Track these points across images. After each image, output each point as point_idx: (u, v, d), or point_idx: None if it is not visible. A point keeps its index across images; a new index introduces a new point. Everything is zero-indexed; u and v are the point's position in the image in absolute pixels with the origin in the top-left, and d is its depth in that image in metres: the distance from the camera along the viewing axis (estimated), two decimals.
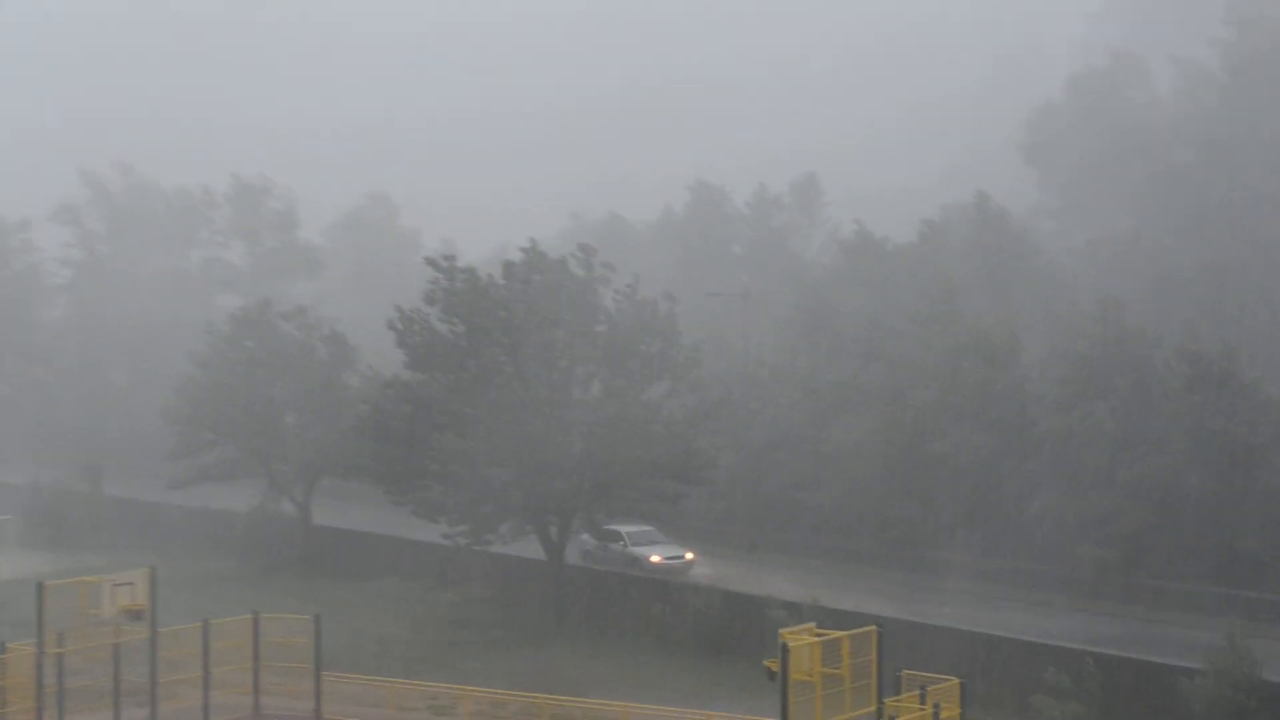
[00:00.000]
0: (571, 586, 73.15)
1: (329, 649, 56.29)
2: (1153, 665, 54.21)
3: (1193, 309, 79.41)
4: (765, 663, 39.57)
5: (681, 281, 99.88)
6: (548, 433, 71.17)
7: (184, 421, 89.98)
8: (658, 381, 73.65)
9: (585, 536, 77.64)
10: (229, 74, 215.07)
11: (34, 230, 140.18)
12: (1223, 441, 69.10)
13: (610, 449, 70.79)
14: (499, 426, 71.04)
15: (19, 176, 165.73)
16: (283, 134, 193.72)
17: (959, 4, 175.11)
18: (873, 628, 41.11)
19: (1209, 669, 50.67)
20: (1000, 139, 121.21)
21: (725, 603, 66.67)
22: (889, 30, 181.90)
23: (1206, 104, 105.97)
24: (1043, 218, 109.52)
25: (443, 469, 71.14)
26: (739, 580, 72.63)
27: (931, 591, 70.49)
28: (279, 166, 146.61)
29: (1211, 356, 71.30)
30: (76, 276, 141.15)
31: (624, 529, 77.83)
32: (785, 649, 38.57)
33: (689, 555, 77.70)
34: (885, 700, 40.53)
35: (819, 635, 40.06)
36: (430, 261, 74.80)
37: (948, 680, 42.28)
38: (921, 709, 41.01)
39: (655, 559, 76.68)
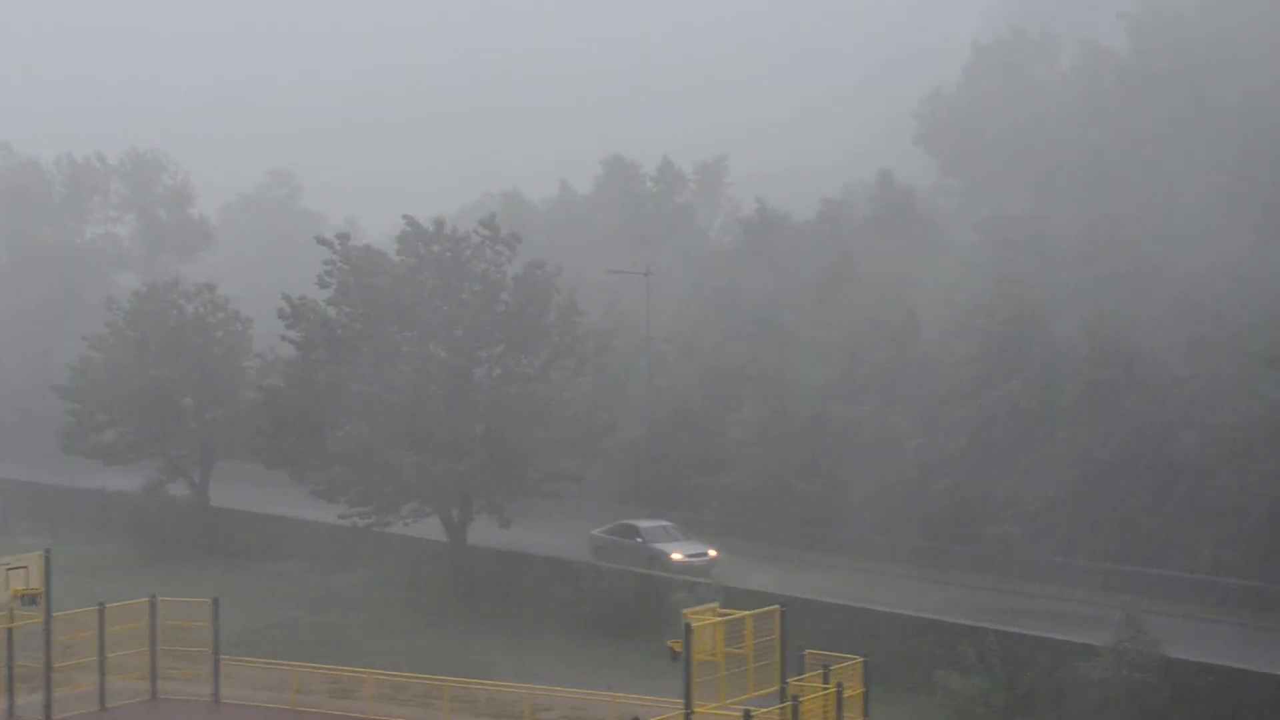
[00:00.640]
0: (475, 568, 72.99)
1: (228, 633, 56.15)
2: (1054, 642, 54.66)
3: (1094, 287, 79.98)
4: (669, 643, 39.76)
5: (589, 258, 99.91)
6: (448, 413, 70.93)
7: (79, 402, 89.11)
8: (560, 360, 73.49)
9: (596, 532, 74.03)
10: (125, 48, 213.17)
11: None
12: (1128, 418, 69.83)
13: (512, 429, 70.75)
14: (398, 407, 70.84)
15: None
16: (180, 109, 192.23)
17: None
18: (776, 608, 41.41)
19: (1107, 648, 51.34)
20: (906, 118, 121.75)
21: (629, 584, 66.80)
22: (799, 11, 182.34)
23: (1106, 82, 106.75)
24: (944, 196, 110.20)
25: (341, 451, 70.98)
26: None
27: (838, 570, 70.80)
28: (177, 141, 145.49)
29: (1116, 335, 72.05)
30: None
31: (640, 524, 73.28)
32: (689, 629, 38.78)
33: (712, 552, 71.13)
34: (789, 679, 40.81)
35: (722, 615, 40.25)
36: (323, 241, 74.44)
37: (851, 659, 42.58)
38: (825, 688, 41.27)
39: (677, 556, 69.97)
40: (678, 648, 39.03)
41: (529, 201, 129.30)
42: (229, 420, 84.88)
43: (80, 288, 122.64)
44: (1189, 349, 71.46)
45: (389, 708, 53.91)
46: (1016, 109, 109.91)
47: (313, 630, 67.12)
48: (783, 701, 40.26)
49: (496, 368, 72.99)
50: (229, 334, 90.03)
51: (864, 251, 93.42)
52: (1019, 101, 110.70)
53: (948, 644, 55.26)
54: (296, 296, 73.02)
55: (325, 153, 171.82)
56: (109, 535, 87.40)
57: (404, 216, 75.19)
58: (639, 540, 71.75)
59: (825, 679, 41.61)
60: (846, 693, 41.66)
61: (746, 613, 40.75)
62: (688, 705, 38.80)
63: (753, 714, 38.82)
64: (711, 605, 41.86)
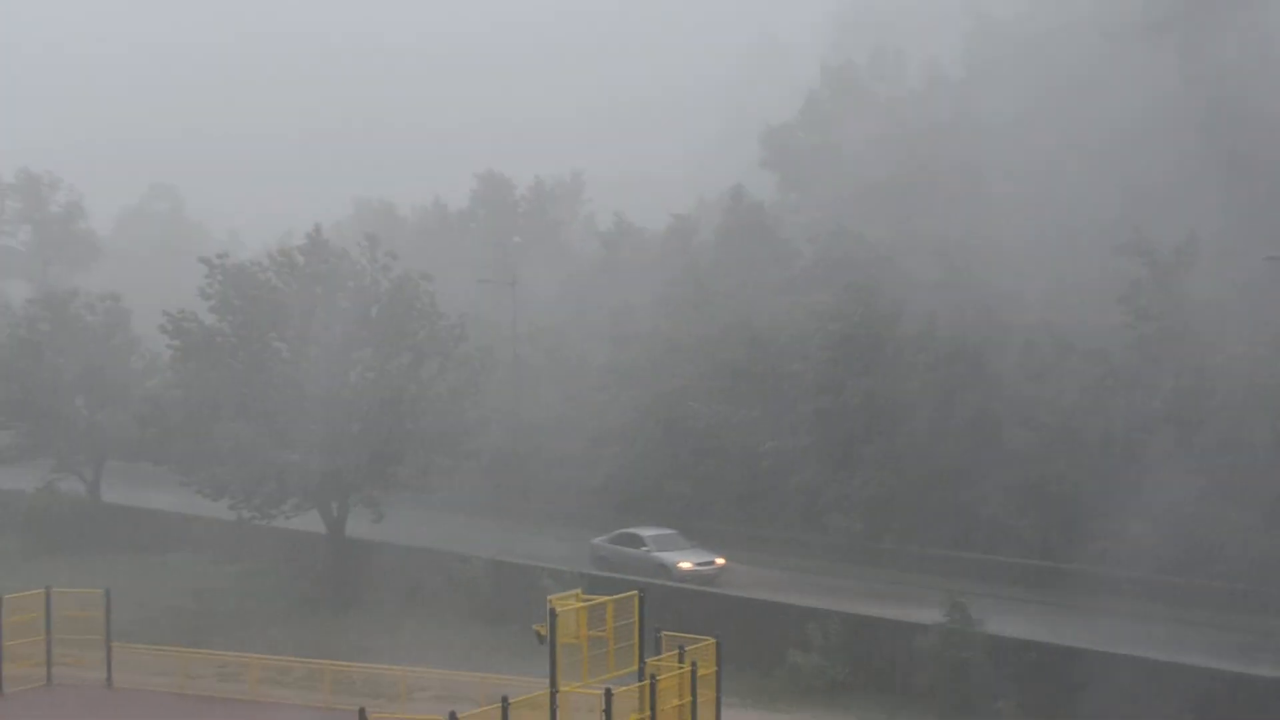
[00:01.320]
0: (353, 558, 72.74)
1: (119, 621, 55.79)
2: (892, 622, 55.49)
3: (936, 292, 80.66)
4: (535, 627, 39.75)
5: (463, 268, 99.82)
6: (325, 414, 70.88)
7: None
8: (428, 361, 73.48)
9: (597, 541, 71.18)
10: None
11: None
12: (967, 413, 70.84)
13: (385, 427, 70.75)
14: (277, 410, 70.80)
15: None
16: (74, 130, 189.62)
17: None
18: (634, 593, 41.55)
19: (935, 626, 52.33)
20: (756, 128, 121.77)
21: (495, 572, 66.83)
22: (653, 21, 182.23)
23: (942, 97, 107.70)
24: (789, 209, 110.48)
25: (224, 452, 70.74)
26: (523, 552, 72.12)
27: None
28: (67, 157, 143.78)
29: (956, 337, 73.05)
30: None
31: (644, 532, 70.16)
32: (553, 614, 38.85)
33: (719, 560, 68.17)
34: (647, 660, 40.99)
35: (585, 601, 40.38)
36: (204, 260, 74.15)
37: (705, 640, 42.86)
38: (680, 667, 41.51)
39: (685, 565, 66.97)
40: (543, 631, 39.06)
41: (401, 214, 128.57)
42: (119, 422, 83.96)
43: None
44: (1023, 352, 72.40)
45: (273, 690, 53.86)
46: (860, 125, 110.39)
47: (199, 618, 66.62)
48: (641, 680, 40.44)
49: (370, 370, 72.85)
50: (122, 340, 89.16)
51: (713, 261, 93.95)
52: (863, 118, 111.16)
53: (795, 625, 55.84)
54: (178, 310, 72.71)
55: (209, 165, 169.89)
56: (4, 531, 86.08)
57: (278, 249, 76.03)
58: (644, 549, 68.75)
59: (681, 659, 41.84)
60: (700, 671, 41.88)
61: (607, 598, 40.88)
62: (553, 685, 38.87)
63: (613, 692, 39.00)
64: (575, 591, 41.96)
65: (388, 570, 71.56)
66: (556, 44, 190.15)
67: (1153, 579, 61.34)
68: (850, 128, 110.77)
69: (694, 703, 41.50)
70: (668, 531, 70.60)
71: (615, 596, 41.07)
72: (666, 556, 67.66)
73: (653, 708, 39.98)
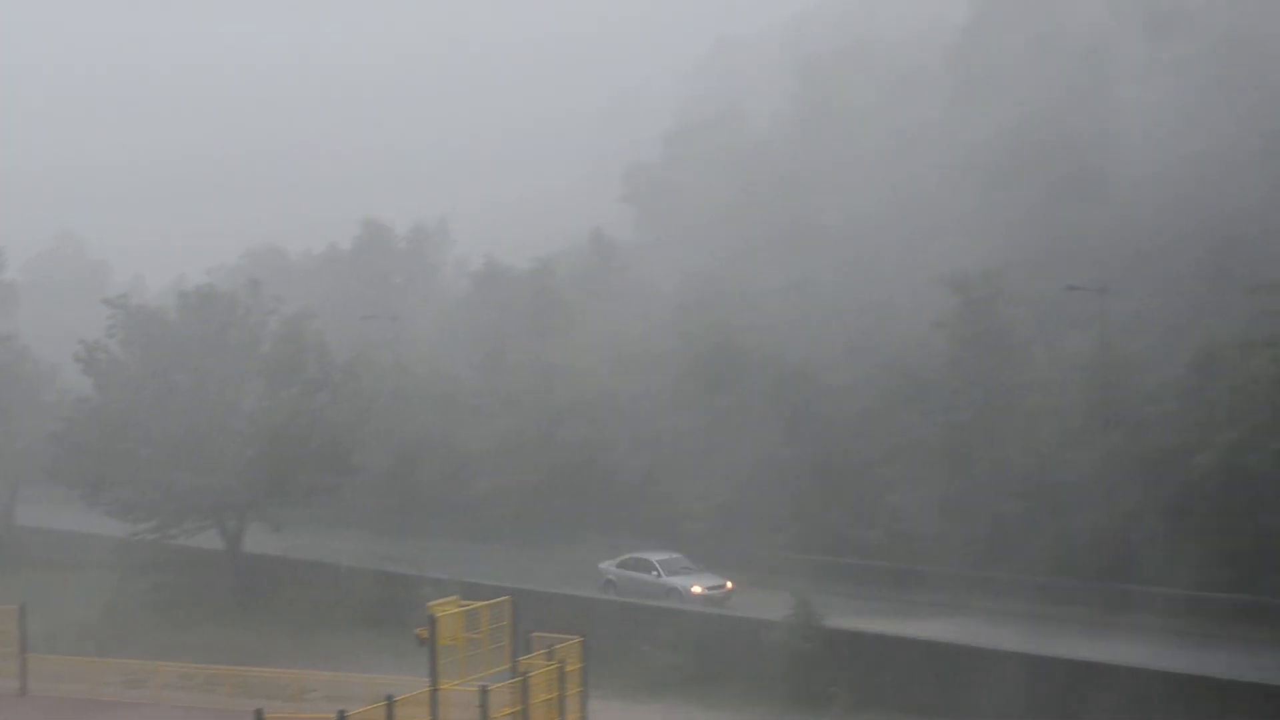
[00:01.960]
0: (248, 572, 72.70)
1: (34, 634, 55.34)
2: (742, 619, 56.53)
3: (781, 319, 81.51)
4: (417, 631, 40.03)
5: (350, 307, 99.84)
6: (223, 440, 71.47)
7: None
8: (315, 392, 74.08)
9: (605, 565, 66.50)
10: None
11: None
12: (810, 430, 71.93)
13: (277, 451, 71.20)
14: (178, 436, 71.21)
15: None
16: None
17: (580, 46, 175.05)
18: (507, 598, 42.04)
19: (781, 621, 53.16)
20: (615, 172, 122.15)
21: (380, 582, 66.98)
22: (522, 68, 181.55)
23: (781, 143, 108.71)
24: (646, 248, 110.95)
25: (130, 475, 70.87)
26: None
27: (573, 566, 71.22)
28: None
29: (796, 360, 74.28)
30: None
31: (653, 557, 65.29)
32: (433, 619, 39.22)
33: (729, 584, 63.31)
34: (519, 658, 41.44)
35: (462, 606, 40.75)
36: (107, 301, 75.40)
37: (571, 639, 43.37)
38: (549, 664, 42.01)
39: (698, 589, 62.32)
40: (424, 635, 39.39)
41: (292, 258, 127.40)
42: (32, 450, 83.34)
43: None
44: (862, 381, 73.50)
45: (176, 694, 53.59)
46: (710, 173, 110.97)
47: (107, 629, 66.01)
48: (514, 677, 40.90)
49: (264, 399, 73.67)
50: (34, 374, 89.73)
51: (575, 298, 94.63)
52: (712, 166, 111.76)
53: (652, 624, 56.59)
54: (91, 342, 73.39)
55: (117, 216, 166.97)
56: None
57: (177, 293, 77.90)
58: (655, 574, 63.97)
59: (550, 657, 42.33)
60: (568, 668, 42.45)
61: (482, 603, 41.27)
62: (433, 683, 39.24)
63: (488, 689, 39.42)
64: (453, 598, 42.29)
65: (284, 582, 71.52)
66: (423, 86, 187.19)
67: (969, 573, 62.92)
68: (700, 174, 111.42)
69: (562, 696, 42.05)
70: (674, 555, 66.04)
71: (489, 601, 41.49)
72: (678, 581, 63.07)
73: (525, 702, 40.50)
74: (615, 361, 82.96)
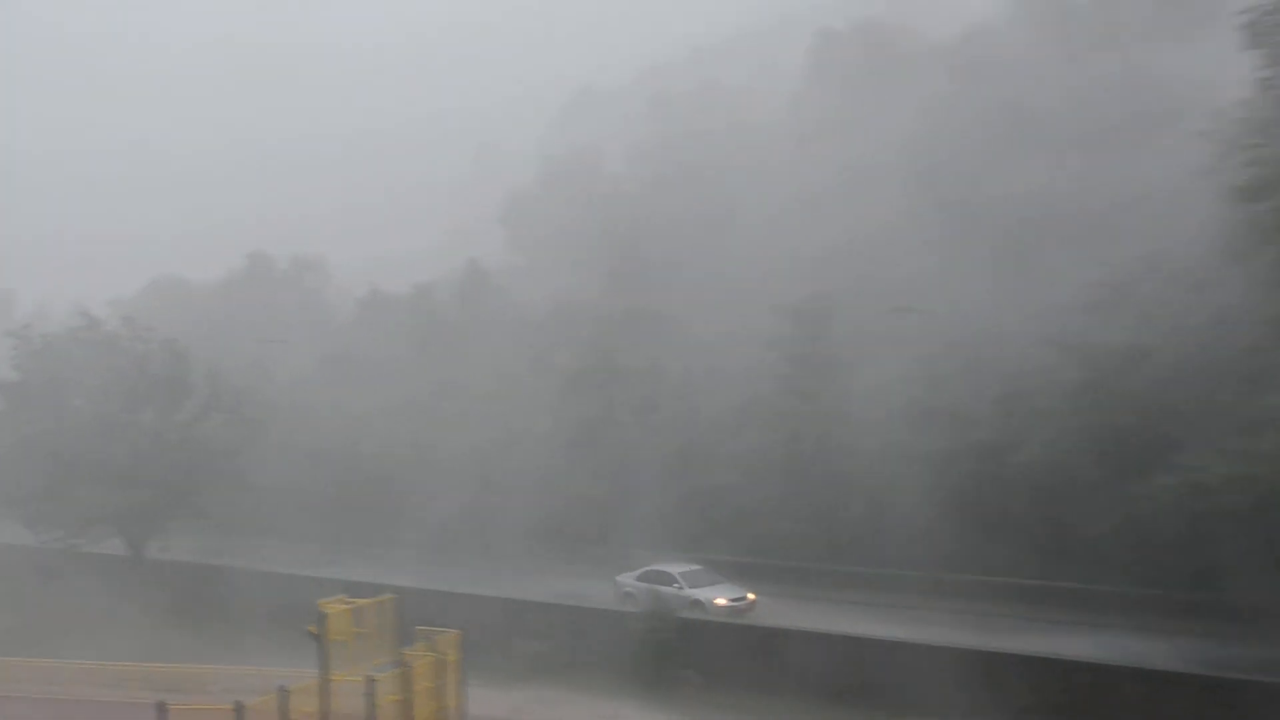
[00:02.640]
0: (153, 578, 72.55)
1: None
2: (607, 611, 57.10)
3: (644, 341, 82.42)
4: (308, 628, 40.17)
5: (243, 333, 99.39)
6: (122, 457, 72.21)
7: None
8: (209, 413, 75.06)
9: (623, 578, 61.61)
10: None
11: None
12: (676, 440, 73.39)
13: (173, 466, 72.18)
14: (80, 452, 71.87)
15: None
16: None
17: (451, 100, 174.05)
18: (390, 596, 42.34)
19: (640, 613, 54.34)
20: (491, 210, 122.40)
21: (277, 583, 66.79)
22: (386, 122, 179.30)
23: (638, 182, 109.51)
24: (518, 277, 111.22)
25: (38, 489, 71.83)
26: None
27: (482, 569, 71.73)
28: None
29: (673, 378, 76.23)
30: None
31: (674, 569, 60.34)
32: (323, 616, 39.46)
33: (751, 596, 58.67)
34: (403, 650, 41.76)
35: (349, 603, 40.99)
36: (10, 334, 77.32)
37: (451, 632, 43.75)
38: (430, 654, 42.37)
39: (721, 601, 57.53)
40: (315, 630, 39.59)
41: (191, 283, 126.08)
42: None
43: None
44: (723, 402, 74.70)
45: (87, 689, 53.26)
46: (574, 207, 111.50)
47: (20, 632, 65.25)
48: (398, 667, 41.21)
49: (158, 421, 74.54)
50: None
51: (454, 320, 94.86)
52: (576, 200, 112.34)
53: (522, 617, 57.17)
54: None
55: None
56: None
57: (67, 327, 79.75)
58: (677, 586, 58.95)
59: (431, 649, 42.67)
60: (448, 658, 42.83)
61: (368, 600, 41.54)
62: (324, 674, 39.47)
63: (375, 679, 39.72)
64: (340, 596, 42.49)
65: (186, 587, 71.12)
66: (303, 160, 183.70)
67: (808, 567, 64.16)
68: (565, 206, 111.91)
69: (441, 684, 42.44)
70: (695, 567, 61.06)
71: (374, 599, 41.76)
72: (701, 594, 58.30)
73: (408, 690, 40.85)
74: (495, 372, 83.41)
